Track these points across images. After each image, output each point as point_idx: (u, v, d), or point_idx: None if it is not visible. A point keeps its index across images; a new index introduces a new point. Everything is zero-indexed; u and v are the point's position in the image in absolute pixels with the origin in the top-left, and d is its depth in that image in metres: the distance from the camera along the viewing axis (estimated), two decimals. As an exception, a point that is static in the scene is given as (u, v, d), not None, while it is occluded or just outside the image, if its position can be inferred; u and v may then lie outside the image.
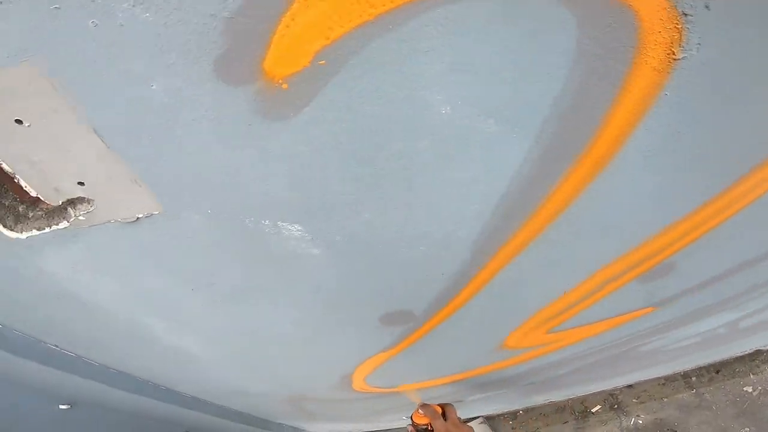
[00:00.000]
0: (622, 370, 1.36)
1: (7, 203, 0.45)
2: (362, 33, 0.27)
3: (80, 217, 0.42)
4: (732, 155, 0.40)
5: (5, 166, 0.39)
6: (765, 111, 0.36)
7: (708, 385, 1.87)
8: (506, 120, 0.33)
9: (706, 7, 0.27)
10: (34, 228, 0.45)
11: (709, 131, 0.37)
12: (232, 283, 0.47)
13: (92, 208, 0.41)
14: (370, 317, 0.60)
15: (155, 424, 0.90)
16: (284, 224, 0.38)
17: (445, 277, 0.51)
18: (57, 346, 0.64)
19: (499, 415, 1.91)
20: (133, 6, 0.25)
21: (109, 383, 0.73)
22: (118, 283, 0.47)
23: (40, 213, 0.46)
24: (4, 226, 0.45)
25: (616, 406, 1.79)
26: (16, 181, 0.40)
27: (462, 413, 0.89)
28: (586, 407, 1.83)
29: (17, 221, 0.45)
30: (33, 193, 0.41)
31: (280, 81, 0.28)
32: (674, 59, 0.30)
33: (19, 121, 0.34)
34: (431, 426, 0.82)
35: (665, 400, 1.78)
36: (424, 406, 0.82)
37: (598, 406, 1.81)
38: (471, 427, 0.83)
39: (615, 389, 1.76)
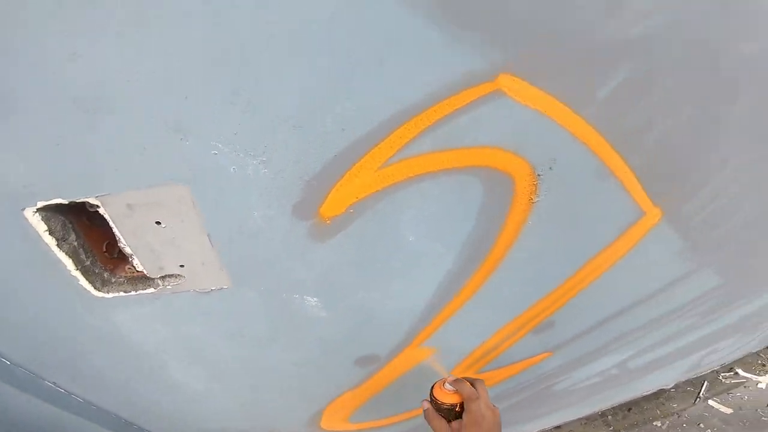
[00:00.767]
0: (543, 411, 1.54)
1: (96, 270, 0.54)
2: (375, 197, 0.50)
3: (168, 287, 0.55)
4: (574, 251, 0.69)
5: (127, 249, 0.52)
6: (587, 229, 0.65)
7: (623, 422, 2.14)
8: (448, 244, 0.58)
9: (550, 168, 0.55)
10: (122, 290, 0.55)
11: (556, 241, 0.65)
12: (259, 334, 0.65)
13: (180, 281, 0.55)
14: (347, 359, 0.78)
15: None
16: (308, 297, 0.59)
17: (399, 336, 0.73)
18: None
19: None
20: (259, 163, 0.44)
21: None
22: (172, 332, 0.61)
23: (122, 279, 0.56)
24: (93, 287, 0.54)
25: (545, 445, 1.96)
26: (131, 259, 0.53)
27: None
28: (518, 449, 2.00)
29: (104, 284, 0.55)
30: (139, 268, 0.54)
31: (326, 220, 0.50)
32: (533, 202, 0.57)
33: (158, 223, 0.49)
34: (460, 407, 0.65)
35: (588, 437, 1.93)
36: (456, 381, 0.66)
37: (529, 448, 1.99)
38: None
39: (543, 431, 1.92)
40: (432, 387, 0.68)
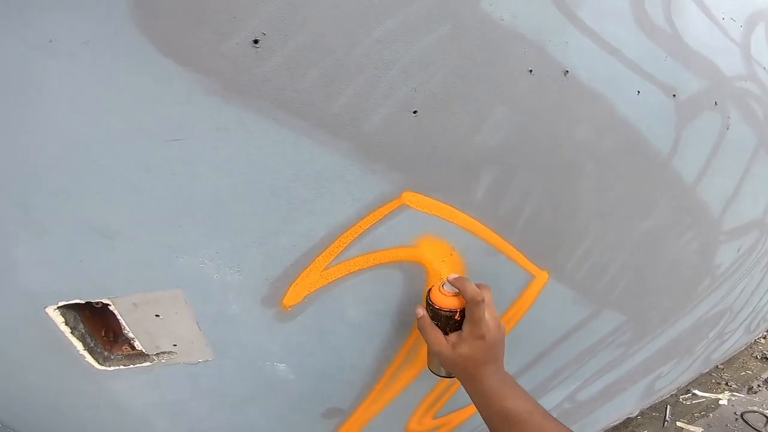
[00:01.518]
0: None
1: (99, 350, 0.60)
2: (324, 289, 0.64)
3: (162, 361, 0.62)
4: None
5: (130, 334, 0.59)
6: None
7: None
8: (382, 317, 0.75)
9: (451, 254, 0.74)
10: (121, 364, 0.61)
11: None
12: (238, 395, 0.71)
13: (172, 356, 0.63)
14: (314, 413, 0.84)
15: None
16: (277, 364, 0.68)
17: (355, 391, 0.82)
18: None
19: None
20: (235, 272, 0.55)
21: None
22: (159, 395, 0.67)
23: (120, 356, 0.61)
24: (97, 362, 0.59)
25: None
26: (132, 342, 0.61)
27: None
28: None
29: (105, 360, 0.61)
30: (138, 348, 0.60)
31: (288, 308, 0.62)
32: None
33: (157, 315, 0.58)
34: (460, 315, 0.56)
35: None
36: (459, 278, 0.57)
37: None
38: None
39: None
40: (428, 291, 0.60)
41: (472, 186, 0.71)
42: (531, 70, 0.68)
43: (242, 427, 0.76)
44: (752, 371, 2.59)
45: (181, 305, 0.58)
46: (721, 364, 2.59)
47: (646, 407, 2.18)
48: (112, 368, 0.60)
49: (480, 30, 0.61)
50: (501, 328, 0.56)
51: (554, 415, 0.55)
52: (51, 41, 0.41)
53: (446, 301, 0.57)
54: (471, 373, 0.56)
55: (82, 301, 0.54)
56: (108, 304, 0.57)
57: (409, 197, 0.65)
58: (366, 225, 0.64)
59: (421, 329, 0.58)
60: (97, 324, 0.60)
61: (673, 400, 2.40)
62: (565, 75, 0.72)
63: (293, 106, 0.52)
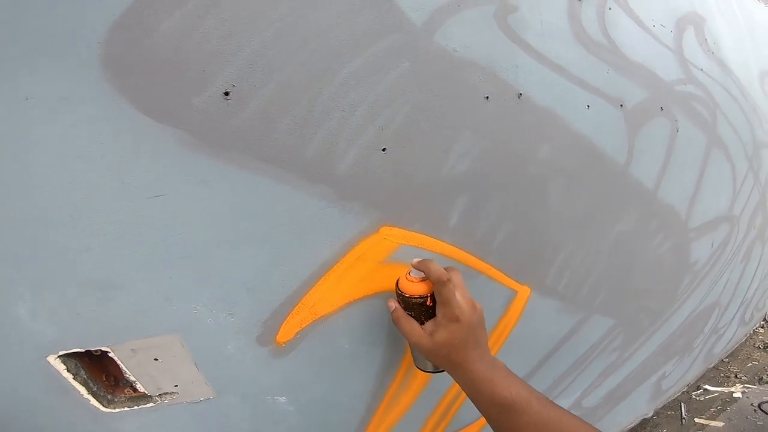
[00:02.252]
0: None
1: (102, 393, 0.59)
2: (314, 324, 0.63)
3: (165, 401, 0.61)
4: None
5: (131, 378, 0.59)
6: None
7: None
8: (374, 345, 0.77)
9: None
10: (126, 406, 0.61)
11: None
12: (239, 427, 0.68)
13: (175, 397, 0.61)
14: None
15: None
16: (277, 397, 0.67)
17: (357, 418, 0.78)
18: None
19: None
20: (228, 315, 0.55)
21: None
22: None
23: (123, 398, 0.60)
24: (101, 405, 0.59)
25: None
26: (133, 384, 0.59)
27: None
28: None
29: (110, 402, 0.60)
30: (141, 390, 0.60)
31: (282, 344, 0.61)
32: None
33: (156, 359, 0.56)
34: (431, 301, 0.53)
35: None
36: (422, 261, 0.54)
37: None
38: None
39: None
40: (397, 281, 0.57)
41: (447, 213, 0.74)
42: (487, 97, 0.73)
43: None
44: (759, 362, 2.57)
45: (179, 349, 0.59)
46: (726, 357, 2.56)
47: (659, 407, 2.14)
48: (117, 410, 0.60)
49: (437, 63, 0.65)
50: (477, 309, 0.53)
51: None
52: (27, 99, 0.41)
53: (414, 287, 0.54)
54: (454, 360, 0.52)
55: (82, 350, 0.55)
56: (107, 351, 0.58)
57: (386, 232, 0.68)
58: (348, 262, 0.66)
59: (395, 322, 0.55)
60: (98, 369, 0.61)
61: (686, 397, 2.35)
62: (519, 98, 0.77)
63: (269, 154, 0.53)
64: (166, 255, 0.52)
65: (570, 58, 0.83)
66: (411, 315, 0.55)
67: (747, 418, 2.11)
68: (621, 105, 0.97)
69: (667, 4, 1.06)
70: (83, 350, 0.56)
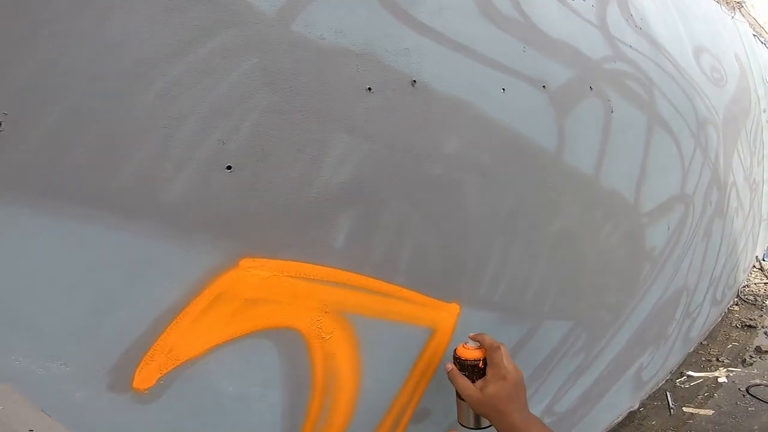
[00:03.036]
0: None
1: None
2: (177, 369, 0.55)
3: None
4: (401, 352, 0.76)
5: None
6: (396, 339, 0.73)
7: None
8: (270, 384, 0.63)
9: (326, 312, 0.63)
10: None
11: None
12: None
13: None
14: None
15: None
16: None
17: None
18: None
19: None
20: (60, 365, 0.49)
21: None
22: None
23: None
24: None
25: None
26: None
27: None
28: None
29: None
30: None
31: (142, 390, 0.54)
32: (326, 339, 0.65)
33: None
34: (483, 364, 0.65)
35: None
36: (478, 334, 0.67)
37: None
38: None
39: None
40: (456, 349, 0.68)
41: (328, 234, 0.62)
42: (370, 88, 0.62)
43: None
44: (738, 342, 2.52)
45: (16, 397, 0.54)
46: (704, 340, 2.50)
47: (645, 398, 2.06)
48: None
49: (295, 56, 0.56)
50: (519, 372, 0.64)
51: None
52: None
53: (470, 353, 0.66)
54: (500, 408, 0.62)
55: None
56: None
57: (248, 264, 0.57)
58: (204, 302, 0.55)
59: (452, 380, 0.66)
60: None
61: (671, 385, 2.28)
62: (413, 86, 0.66)
63: (61, 191, 0.45)
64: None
65: (476, 36, 0.74)
66: (465, 374, 0.66)
67: (737, 404, 2.03)
68: (543, 86, 0.87)
69: (585, -23, 0.98)
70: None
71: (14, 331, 0.49)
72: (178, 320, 0.54)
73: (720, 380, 2.26)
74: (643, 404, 2.07)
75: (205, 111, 0.50)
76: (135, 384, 0.55)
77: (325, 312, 0.63)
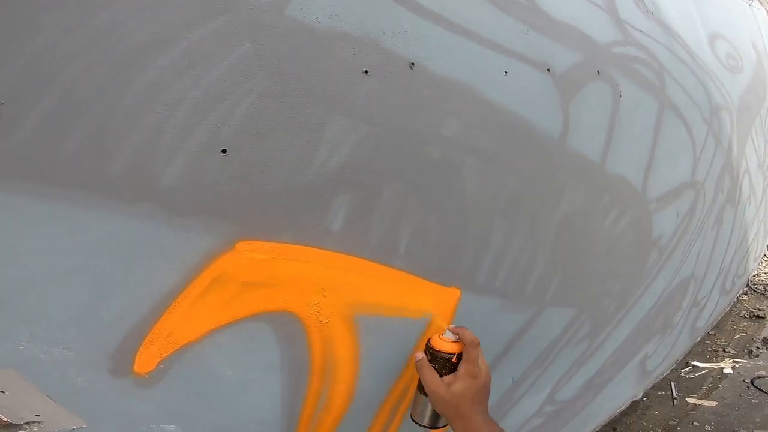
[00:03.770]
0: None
1: None
2: (177, 353, 0.56)
3: (35, 430, 0.58)
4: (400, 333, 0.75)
5: None
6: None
7: None
8: (267, 367, 0.64)
9: (324, 295, 0.63)
10: None
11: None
12: None
13: (44, 425, 0.58)
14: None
15: None
16: (164, 425, 0.59)
17: None
18: None
19: None
20: (63, 349, 0.49)
21: None
22: None
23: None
24: None
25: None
26: None
27: None
28: None
29: None
30: (3, 418, 0.57)
31: (143, 374, 0.55)
32: (323, 323, 0.65)
33: (2, 392, 0.53)
34: (456, 359, 0.62)
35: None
36: (458, 327, 0.64)
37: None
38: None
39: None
40: (429, 339, 0.64)
41: (325, 217, 0.61)
42: (366, 71, 0.61)
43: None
44: (746, 332, 2.47)
45: (21, 382, 0.54)
46: (711, 330, 2.45)
47: (648, 388, 2.05)
48: (-8, 436, 0.60)
49: (290, 40, 0.54)
50: (489, 375, 0.62)
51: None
52: None
53: (446, 345, 0.63)
54: (462, 410, 0.60)
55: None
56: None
57: (245, 247, 0.56)
58: (201, 285, 0.55)
59: (419, 370, 0.63)
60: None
61: (675, 375, 2.27)
62: (411, 68, 0.64)
63: (60, 177, 0.45)
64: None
65: (477, 17, 0.71)
66: (434, 366, 0.62)
67: (741, 395, 2.01)
68: (548, 69, 0.83)
69: (593, -40, 0.94)
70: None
71: (17, 316, 0.49)
72: (177, 304, 0.54)
73: (725, 371, 2.22)
74: (646, 394, 2.05)
75: (199, 96, 0.49)
76: (136, 368, 0.56)
77: (323, 296, 0.63)
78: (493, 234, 0.81)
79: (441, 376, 0.61)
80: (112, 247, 0.49)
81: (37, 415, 0.60)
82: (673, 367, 2.21)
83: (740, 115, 1.78)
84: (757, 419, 1.86)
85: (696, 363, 2.29)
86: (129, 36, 0.46)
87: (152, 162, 0.48)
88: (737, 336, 2.43)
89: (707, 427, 1.86)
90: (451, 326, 0.65)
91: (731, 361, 2.25)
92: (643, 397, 2.02)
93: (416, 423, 0.67)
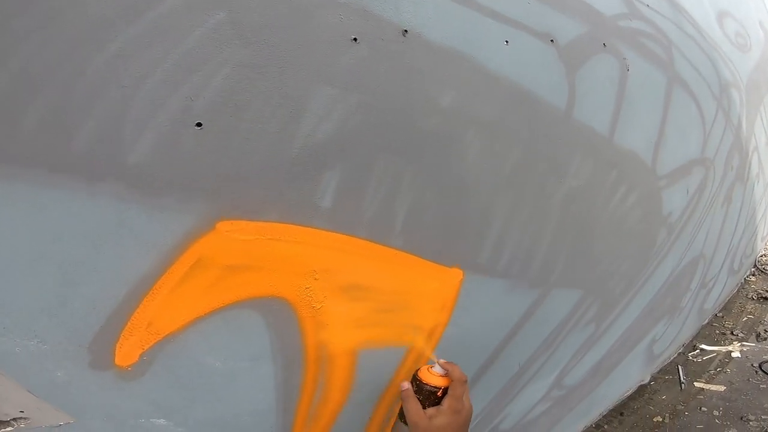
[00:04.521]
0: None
1: None
2: (159, 344, 0.52)
3: (21, 426, 0.57)
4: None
5: None
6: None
7: (620, 427, 1.98)
8: (258, 356, 0.59)
9: (315, 279, 0.58)
10: None
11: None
12: None
13: (30, 421, 0.56)
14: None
15: None
16: (153, 419, 0.56)
17: None
18: None
19: None
20: (38, 343, 0.46)
21: None
22: None
23: None
24: None
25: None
26: None
27: None
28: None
29: None
30: None
31: (125, 367, 0.51)
32: (316, 308, 0.60)
33: None
34: (442, 393, 0.61)
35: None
36: (449, 363, 0.63)
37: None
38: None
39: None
40: (417, 370, 0.64)
41: (313, 193, 0.56)
42: (355, 38, 0.56)
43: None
44: (754, 314, 2.40)
45: (1, 378, 0.51)
46: (719, 312, 2.39)
47: (656, 372, 1.99)
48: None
49: (269, 8, 0.49)
50: (471, 411, 0.62)
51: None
52: None
53: (433, 379, 0.62)
54: None
55: None
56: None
57: (226, 227, 0.51)
58: (180, 270, 0.51)
59: (404, 399, 0.62)
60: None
61: (683, 359, 2.21)
62: (404, 35, 0.59)
63: (17, 156, 0.41)
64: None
65: None
66: (419, 398, 0.62)
67: (749, 380, 1.95)
68: (552, 41, 0.77)
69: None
70: None
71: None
72: (155, 291, 0.49)
73: (733, 355, 2.16)
74: (654, 378, 2.00)
75: (168, 68, 0.45)
76: (117, 361, 0.52)
77: (315, 279, 0.58)
78: (495, 209, 0.75)
79: (424, 407, 0.61)
80: (79, 230, 0.44)
81: (21, 411, 0.58)
82: (680, 351, 2.16)
83: (749, 93, 1.70)
84: (766, 405, 1.81)
85: (703, 346, 2.23)
86: (88, 11, 0.41)
87: (118, 137, 0.44)
88: (745, 318, 2.36)
89: (715, 413, 1.80)
90: (442, 360, 0.64)
91: (739, 344, 2.19)
92: (650, 381, 1.97)
93: None
